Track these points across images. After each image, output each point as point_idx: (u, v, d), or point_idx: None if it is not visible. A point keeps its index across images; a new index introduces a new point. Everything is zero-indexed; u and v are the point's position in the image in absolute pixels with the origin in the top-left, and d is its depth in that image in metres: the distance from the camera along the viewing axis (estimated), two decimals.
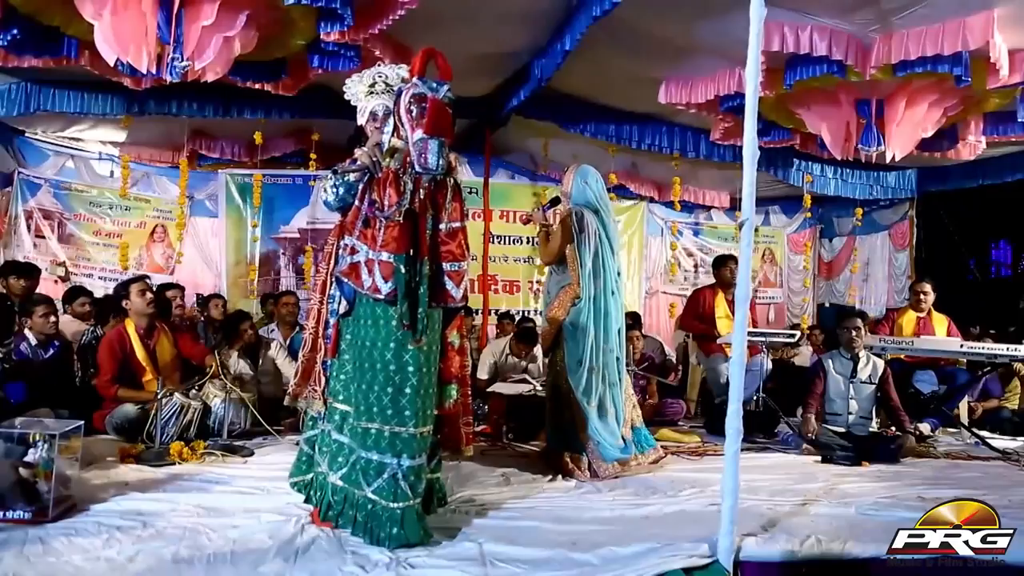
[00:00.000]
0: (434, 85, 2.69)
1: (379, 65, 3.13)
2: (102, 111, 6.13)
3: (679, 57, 5.38)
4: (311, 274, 2.97)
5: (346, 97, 3.10)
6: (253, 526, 2.72)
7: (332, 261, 2.90)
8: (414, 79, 2.70)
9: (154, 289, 4.76)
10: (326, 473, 2.77)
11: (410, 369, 2.63)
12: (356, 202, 2.75)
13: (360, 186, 2.76)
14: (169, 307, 5.58)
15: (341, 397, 2.75)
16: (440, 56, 2.79)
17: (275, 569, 2.30)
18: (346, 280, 2.72)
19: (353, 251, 2.72)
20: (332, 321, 2.84)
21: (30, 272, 5.48)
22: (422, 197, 2.71)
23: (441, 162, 2.62)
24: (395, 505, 2.55)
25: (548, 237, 4.12)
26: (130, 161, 7.50)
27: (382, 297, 2.61)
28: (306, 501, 2.94)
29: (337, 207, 2.86)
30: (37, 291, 5.36)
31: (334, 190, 2.80)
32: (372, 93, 3.00)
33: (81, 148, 7.67)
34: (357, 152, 2.76)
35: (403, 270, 2.60)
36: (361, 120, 3.02)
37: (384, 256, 2.61)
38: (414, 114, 2.62)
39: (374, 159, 2.70)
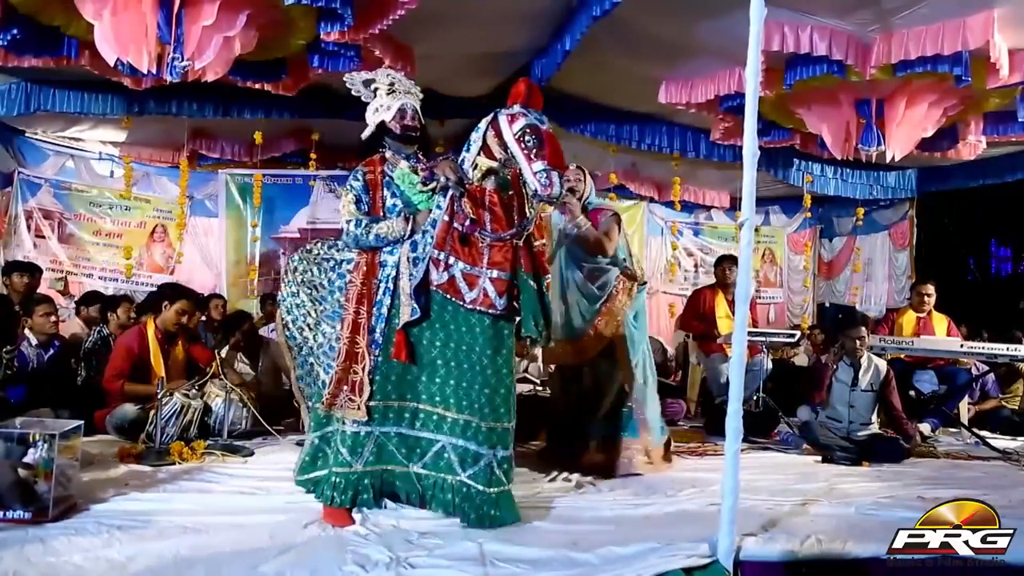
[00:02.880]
0: (539, 116, 2.91)
1: (385, 68, 3.29)
2: (102, 111, 6.12)
3: (679, 57, 5.38)
4: (322, 284, 3.00)
5: (355, 92, 3.22)
6: (253, 526, 2.73)
7: (368, 273, 2.97)
8: (518, 107, 2.91)
9: (195, 313, 4.87)
10: (404, 466, 2.93)
11: (504, 371, 2.91)
12: (446, 217, 2.89)
13: (444, 202, 2.90)
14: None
15: (409, 396, 2.94)
16: (536, 88, 3.00)
17: (275, 569, 2.30)
18: (443, 293, 2.88)
19: (448, 266, 2.87)
20: (384, 328, 2.92)
21: (32, 270, 5.49)
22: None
23: (564, 192, 2.92)
24: (492, 490, 2.79)
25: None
26: (130, 161, 7.50)
27: (498, 311, 2.84)
28: (317, 498, 2.95)
29: (354, 247, 3.05)
30: (38, 291, 5.38)
31: (364, 236, 2.97)
32: (394, 92, 3.15)
33: (81, 148, 7.65)
34: (439, 167, 2.90)
35: (532, 284, 2.90)
36: (384, 115, 3.12)
37: (495, 274, 2.84)
38: (529, 143, 2.83)
39: (459, 176, 2.87)
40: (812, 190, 7.95)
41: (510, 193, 2.97)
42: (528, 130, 2.84)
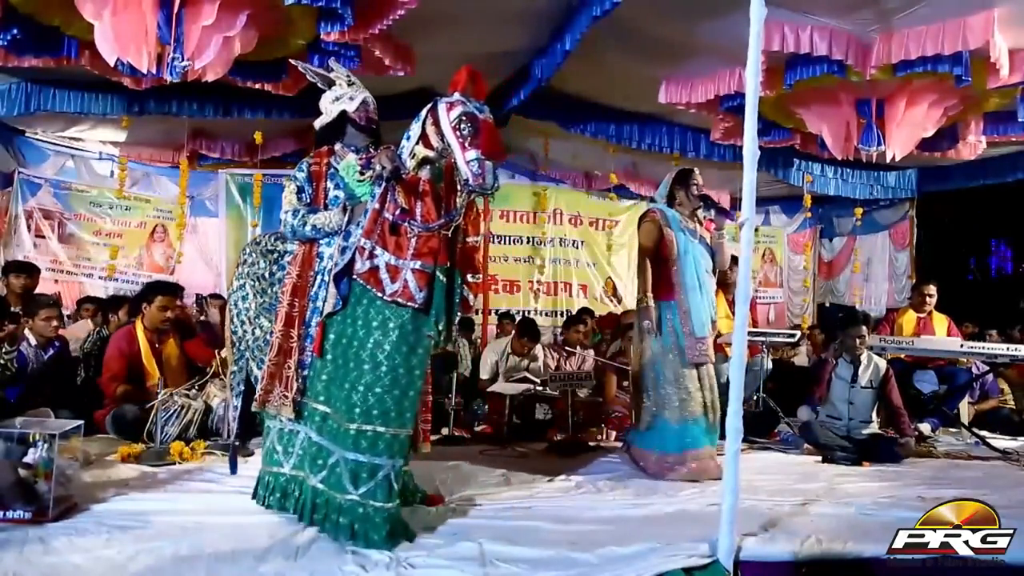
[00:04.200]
0: (479, 105, 2.79)
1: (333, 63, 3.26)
2: (102, 111, 6.12)
3: (679, 57, 5.38)
4: (264, 276, 2.92)
5: (309, 77, 3.22)
6: (253, 526, 2.72)
7: (304, 264, 2.92)
8: (458, 96, 2.78)
9: (177, 305, 4.82)
10: (304, 476, 2.78)
11: (417, 373, 2.72)
12: (376, 206, 2.78)
13: (378, 191, 2.80)
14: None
15: (322, 398, 2.78)
16: (479, 76, 2.91)
17: (275, 569, 2.30)
18: (364, 283, 2.73)
19: (372, 255, 2.74)
20: (317, 320, 2.84)
21: (29, 270, 5.48)
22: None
23: (497, 183, 2.71)
24: (390, 505, 2.59)
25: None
26: (130, 161, 7.51)
27: (417, 305, 2.67)
28: (252, 497, 2.97)
29: (292, 238, 2.98)
30: (39, 292, 5.38)
31: (301, 227, 2.92)
32: (353, 84, 3.13)
33: (81, 148, 7.67)
34: (377, 156, 2.80)
35: (442, 279, 2.74)
36: (348, 106, 3.06)
37: (418, 265, 2.69)
38: (465, 132, 2.69)
39: (395, 165, 2.74)
40: (812, 190, 7.95)
41: (442, 184, 2.83)
42: (464, 118, 2.70)
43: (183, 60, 4.18)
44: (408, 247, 2.72)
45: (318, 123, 3.16)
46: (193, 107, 6.16)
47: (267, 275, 3.05)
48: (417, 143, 2.83)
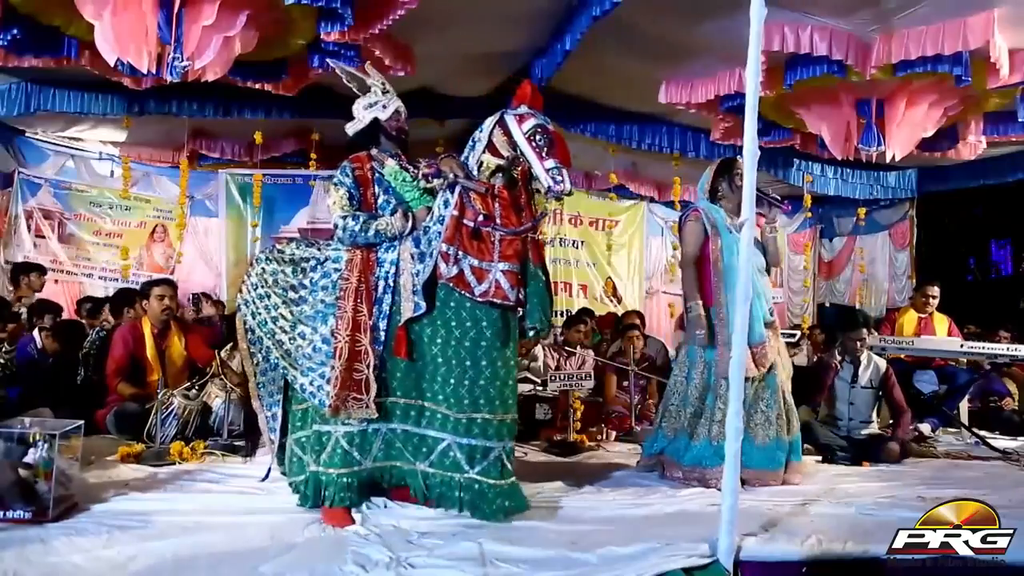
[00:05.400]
0: (545, 117, 3.01)
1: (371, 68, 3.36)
2: (102, 111, 6.12)
3: (679, 57, 5.38)
4: (300, 284, 2.92)
5: (346, 81, 3.29)
6: (253, 526, 2.72)
7: (364, 270, 2.99)
8: (526, 108, 3.02)
9: (175, 295, 4.85)
10: (411, 464, 2.95)
11: (512, 363, 3.00)
12: (455, 212, 2.92)
13: (453, 198, 2.94)
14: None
15: (414, 394, 2.96)
16: (537, 90, 3.10)
17: (275, 569, 2.30)
18: (452, 287, 2.90)
19: (456, 260, 2.90)
20: (386, 325, 2.95)
21: (41, 270, 5.65)
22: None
23: (573, 189, 2.94)
24: (504, 482, 2.86)
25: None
26: (130, 161, 7.50)
27: (511, 302, 2.90)
28: (303, 500, 2.96)
29: (349, 243, 3.06)
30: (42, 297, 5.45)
31: (363, 233, 3.01)
32: (388, 92, 3.26)
33: (81, 148, 7.67)
34: (443, 164, 3.00)
35: (542, 276, 2.99)
36: (381, 114, 3.20)
37: (506, 266, 2.89)
38: (540, 143, 2.92)
39: (466, 174, 2.96)
40: (812, 190, 7.95)
41: (517, 190, 3.03)
42: (539, 130, 2.93)
43: (183, 60, 4.18)
44: (493, 251, 2.91)
45: (350, 128, 3.27)
46: (193, 107, 6.16)
47: (306, 283, 3.09)
48: (484, 152, 3.02)
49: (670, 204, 8.33)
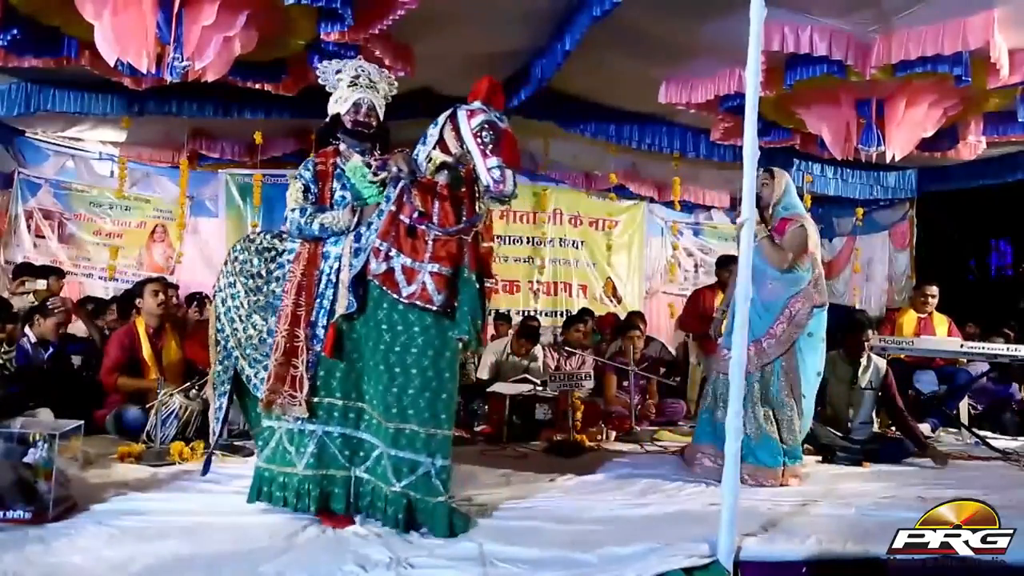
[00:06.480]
0: (499, 114, 2.85)
1: (358, 61, 3.22)
2: (102, 111, 6.11)
3: (679, 57, 5.38)
4: (259, 274, 2.88)
5: (320, 80, 3.18)
6: (253, 526, 2.72)
7: (308, 263, 2.92)
8: (478, 104, 2.85)
9: (168, 292, 4.82)
10: (346, 470, 2.84)
11: (447, 375, 2.77)
12: (393, 208, 2.81)
13: (393, 193, 2.83)
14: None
15: (354, 395, 2.85)
16: (498, 87, 2.98)
17: (275, 569, 2.30)
18: (380, 285, 2.77)
19: (388, 257, 2.77)
20: (326, 321, 2.84)
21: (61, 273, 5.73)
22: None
23: (515, 191, 2.76)
24: (431, 500, 2.68)
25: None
26: (130, 161, 7.49)
27: (435, 307, 2.71)
28: (258, 499, 2.92)
29: (296, 236, 3.00)
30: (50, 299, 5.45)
31: (308, 226, 2.94)
32: (356, 85, 3.08)
33: (81, 148, 7.65)
34: (392, 158, 2.85)
35: (475, 283, 2.78)
36: (340, 108, 3.08)
37: (436, 268, 2.74)
38: (486, 140, 2.76)
39: (411, 168, 2.79)
40: (812, 190, 7.94)
41: (462, 189, 2.88)
42: (486, 126, 2.77)
43: (183, 60, 4.18)
44: (425, 250, 2.76)
45: (322, 126, 3.19)
46: (193, 107, 6.15)
47: (263, 273, 3.02)
48: (434, 148, 2.88)
49: (670, 204, 8.32)
